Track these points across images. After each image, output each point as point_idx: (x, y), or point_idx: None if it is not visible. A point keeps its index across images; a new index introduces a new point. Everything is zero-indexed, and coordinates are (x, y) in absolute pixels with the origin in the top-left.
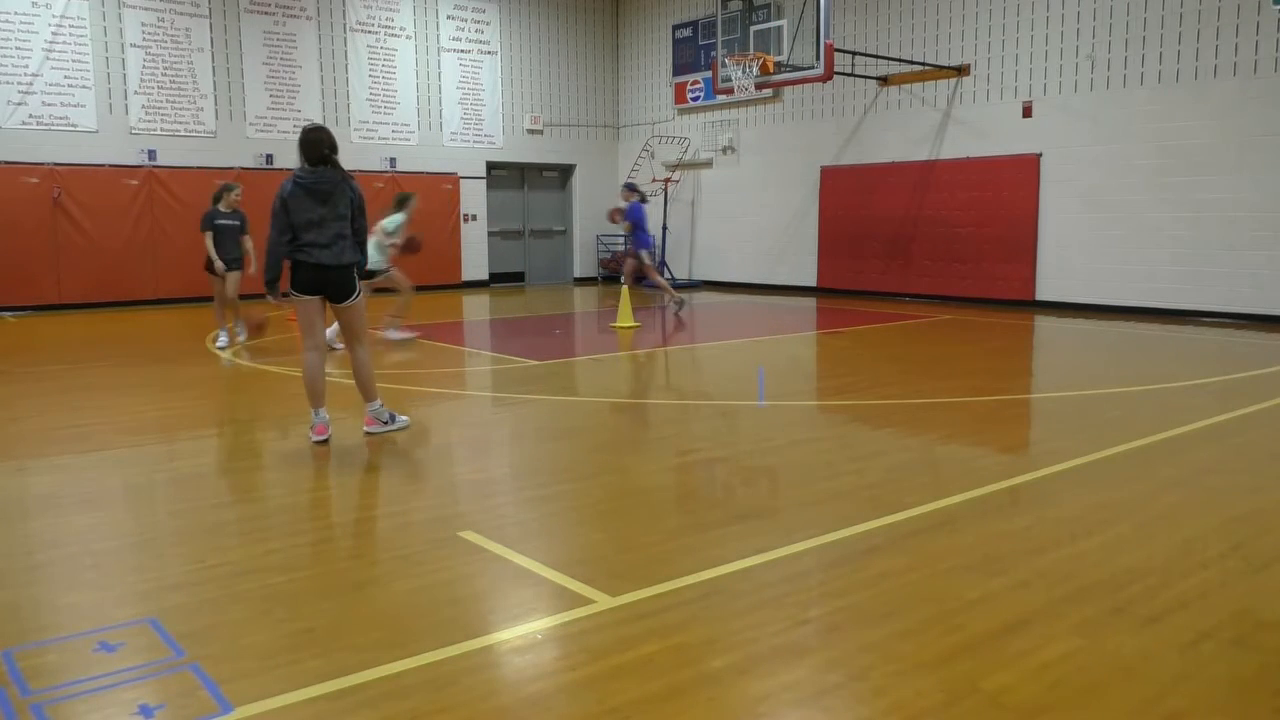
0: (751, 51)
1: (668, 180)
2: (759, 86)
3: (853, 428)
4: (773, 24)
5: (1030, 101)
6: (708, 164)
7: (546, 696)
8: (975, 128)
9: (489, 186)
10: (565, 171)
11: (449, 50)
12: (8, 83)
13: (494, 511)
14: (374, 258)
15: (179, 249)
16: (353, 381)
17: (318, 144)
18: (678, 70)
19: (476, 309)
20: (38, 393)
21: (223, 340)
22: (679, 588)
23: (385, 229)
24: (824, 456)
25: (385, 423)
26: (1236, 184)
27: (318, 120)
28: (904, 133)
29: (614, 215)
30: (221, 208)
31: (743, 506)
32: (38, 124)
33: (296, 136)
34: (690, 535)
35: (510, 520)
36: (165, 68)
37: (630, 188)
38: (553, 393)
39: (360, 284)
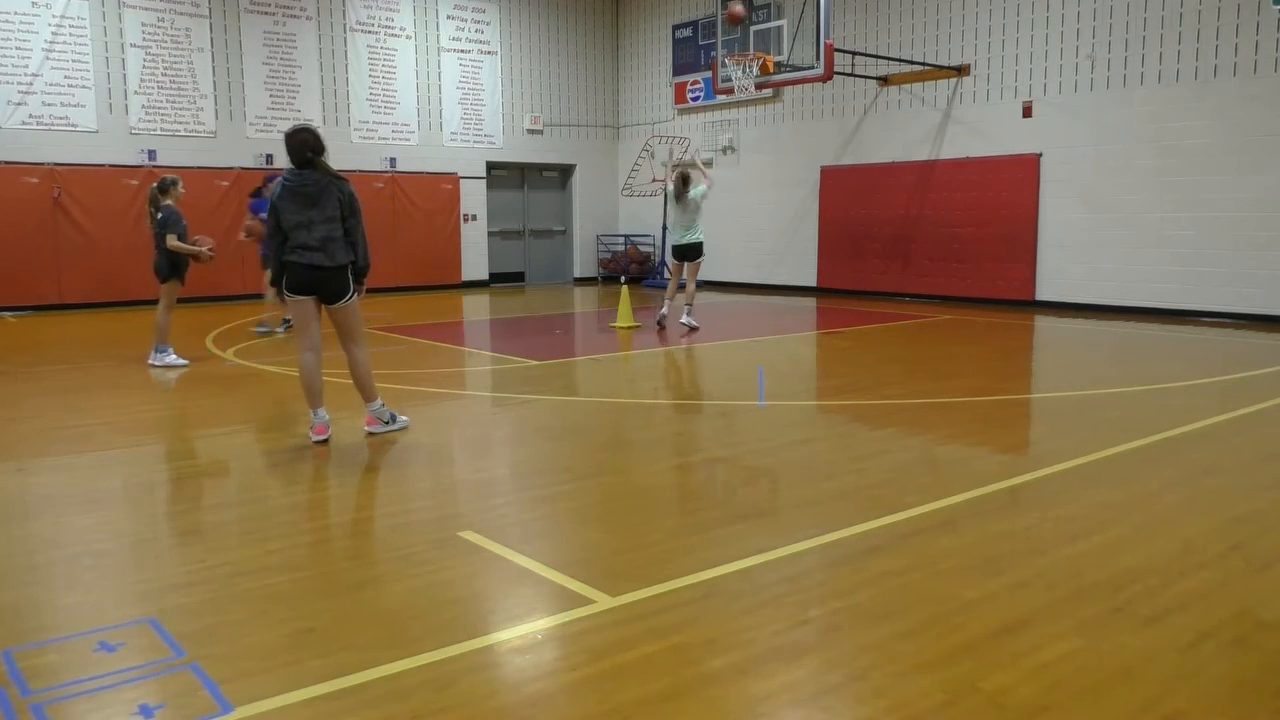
0: (751, 51)
1: (668, 180)
2: (759, 86)
3: (853, 428)
4: (773, 24)
5: (1030, 101)
6: (708, 164)
7: (546, 696)
8: (975, 128)
9: (489, 186)
10: (565, 171)
11: (449, 50)
12: (8, 83)
13: (494, 511)
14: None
15: None
16: (351, 381)
17: (301, 146)
18: (678, 70)
19: (476, 309)
20: (38, 393)
21: (170, 358)
22: (679, 588)
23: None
24: (824, 456)
25: (386, 423)
26: (1236, 184)
27: (317, 120)
28: (904, 133)
29: (252, 230)
30: (174, 204)
31: (743, 506)
32: (38, 124)
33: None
34: (690, 535)
35: (510, 520)
36: (165, 68)
37: (270, 180)
38: (553, 393)
39: (357, 286)
